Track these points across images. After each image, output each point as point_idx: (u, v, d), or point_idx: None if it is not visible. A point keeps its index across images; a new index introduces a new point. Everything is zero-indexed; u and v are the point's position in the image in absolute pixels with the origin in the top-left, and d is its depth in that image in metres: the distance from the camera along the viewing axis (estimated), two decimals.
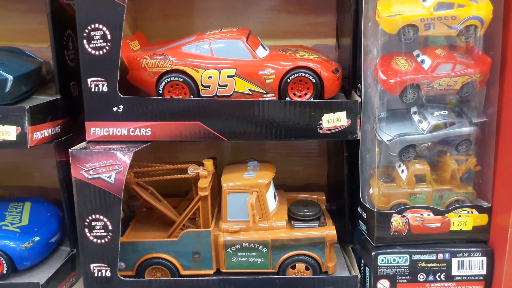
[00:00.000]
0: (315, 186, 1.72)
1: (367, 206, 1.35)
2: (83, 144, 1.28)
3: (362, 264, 1.39)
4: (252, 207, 1.28)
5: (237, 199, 1.34)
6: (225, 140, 1.29)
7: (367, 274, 1.35)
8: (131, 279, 1.28)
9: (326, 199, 1.57)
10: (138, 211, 1.55)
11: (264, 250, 1.34)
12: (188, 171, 1.38)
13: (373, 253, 1.23)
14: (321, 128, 1.28)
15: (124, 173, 1.21)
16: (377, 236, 1.21)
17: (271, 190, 1.41)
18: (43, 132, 1.29)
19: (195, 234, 1.34)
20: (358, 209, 1.42)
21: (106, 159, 1.21)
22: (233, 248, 1.34)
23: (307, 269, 1.35)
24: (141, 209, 1.55)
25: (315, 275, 1.35)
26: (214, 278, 1.30)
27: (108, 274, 1.27)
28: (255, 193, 1.32)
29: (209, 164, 1.40)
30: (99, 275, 1.27)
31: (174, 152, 1.76)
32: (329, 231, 1.33)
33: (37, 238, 1.38)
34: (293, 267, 1.36)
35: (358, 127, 1.29)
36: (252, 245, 1.33)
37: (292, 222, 1.40)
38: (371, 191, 1.36)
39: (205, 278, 1.30)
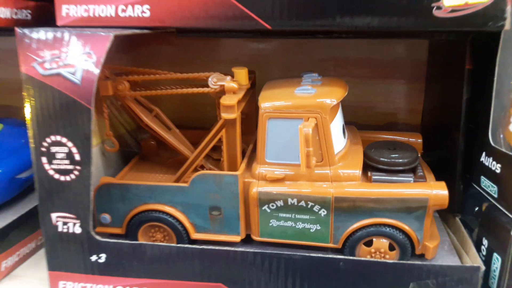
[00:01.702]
0: (401, 126, 1.17)
1: (503, 150, 0.79)
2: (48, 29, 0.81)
3: (484, 247, 0.85)
4: (306, 141, 0.77)
5: (282, 128, 0.83)
6: (267, 27, 0.77)
7: (495, 265, 0.80)
8: (114, 240, 0.83)
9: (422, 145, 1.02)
10: (144, 145, 1.10)
11: (323, 212, 0.83)
12: (209, 83, 0.88)
13: None
14: (439, 8, 0.72)
15: (96, 66, 0.73)
16: None
17: (339, 120, 0.89)
18: None
19: (214, 178, 0.85)
20: (482, 159, 0.86)
21: (66, 45, 0.74)
22: (273, 206, 0.84)
23: (391, 248, 0.84)
24: (149, 142, 1.09)
25: (405, 259, 0.83)
26: (242, 250, 0.81)
27: (78, 229, 0.83)
28: (312, 120, 0.81)
29: (241, 73, 0.90)
30: (65, 230, 0.83)
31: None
32: (436, 190, 0.79)
33: None
34: (368, 244, 0.84)
35: (508, 9, 0.71)
36: (302, 203, 0.83)
37: (369, 173, 0.87)
38: (511, 127, 0.80)
39: (226, 249, 0.81)
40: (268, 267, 0.81)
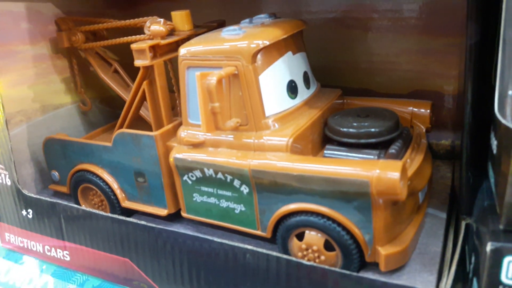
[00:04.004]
0: (432, 96, 0.87)
1: (502, 121, 0.49)
2: None
3: (470, 267, 0.55)
4: (209, 94, 0.60)
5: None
6: None
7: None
8: (36, 196, 0.79)
9: (432, 116, 0.74)
10: None
11: (244, 189, 0.65)
12: (145, 29, 0.76)
13: (489, 247, 0.40)
14: None
15: None
16: (509, 202, 0.38)
17: (282, 71, 0.68)
18: None
19: (132, 139, 0.73)
20: (491, 135, 0.56)
21: None
22: (192, 176, 0.69)
23: (328, 247, 0.61)
24: None
25: (350, 266, 0.59)
26: (146, 224, 0.68)
27: (8, 181, 0.81)
28: (229, 69, 0.62)
29: (178, 16, 0.75)
30: (1, 180, 0.82)
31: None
32: (381, 171, 0.54)
33: None
34: (300, 237, 0.63)
35: None
36: (220, 175, 0.66)
37: (327, 147, 0.66)
38: None
39: (132, 221, 0.69)
40: (170, 249, 0.66)
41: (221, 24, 0.85)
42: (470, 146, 0.62)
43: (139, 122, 0.84)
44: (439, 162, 0.87)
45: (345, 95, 0.81)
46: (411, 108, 0.74)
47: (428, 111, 0.73)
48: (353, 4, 0.89)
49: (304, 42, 0.77)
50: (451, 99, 0.86)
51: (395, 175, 0.53)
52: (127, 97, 0.89)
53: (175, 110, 0.83)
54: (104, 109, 1.07)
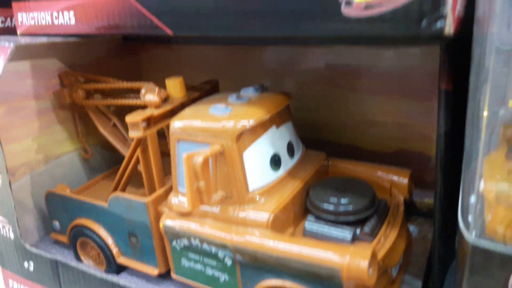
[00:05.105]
0: (414, 156, 0.90)
1: (461, 227, 0.53)
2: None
3: None
4: (194, 174, 0.64)
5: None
6: (168, 34, 0.66)
7: None
8: (36, 250, 0.83)
9: (410, 185, 0.77)
10: None
11: (228, 261, 0.69)
12: (140, 95, 0.81)
13: None
14: (348, 4, 0.52)
15: None
16: None
17: (266, 145, 0.71)
18: None
19: (126, 203, 0.78)
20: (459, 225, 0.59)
21: None
22: (180, 244, 0.73)
23: None
24: None
25: None
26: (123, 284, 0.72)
27: (12, 235, 0.85)
28: (216, 148, 0.66)
29: (172, 84, 0.80)
30: (5, 233, 0.87)
31: None
32: (351, 259, 0.57)
33: None
34: None
35: (448, 4, 0.47)
36: (205, 245, 0.70)
37: (308, 219, 0.69)
38: (481, 186, 0.53)
39: (112, 280, 0.73)
40: None
41: (214, 86, 0.89)
42: (440, 223, 0.65)
43: (137, 176, 0.88)
44: (422, 220, 0.90)
45: (333, 151, 0.85)
46: (391, 175, 0.77)
47: (406, 180, 0.76)
48: (342, 65, 0.93)
49: (291, 111, 0.80)
50: (434, 159, 0.89)
51: (364, 263, 0.56)
52: (124, 150, 0.93)
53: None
54: (106, 154, 1.11)
